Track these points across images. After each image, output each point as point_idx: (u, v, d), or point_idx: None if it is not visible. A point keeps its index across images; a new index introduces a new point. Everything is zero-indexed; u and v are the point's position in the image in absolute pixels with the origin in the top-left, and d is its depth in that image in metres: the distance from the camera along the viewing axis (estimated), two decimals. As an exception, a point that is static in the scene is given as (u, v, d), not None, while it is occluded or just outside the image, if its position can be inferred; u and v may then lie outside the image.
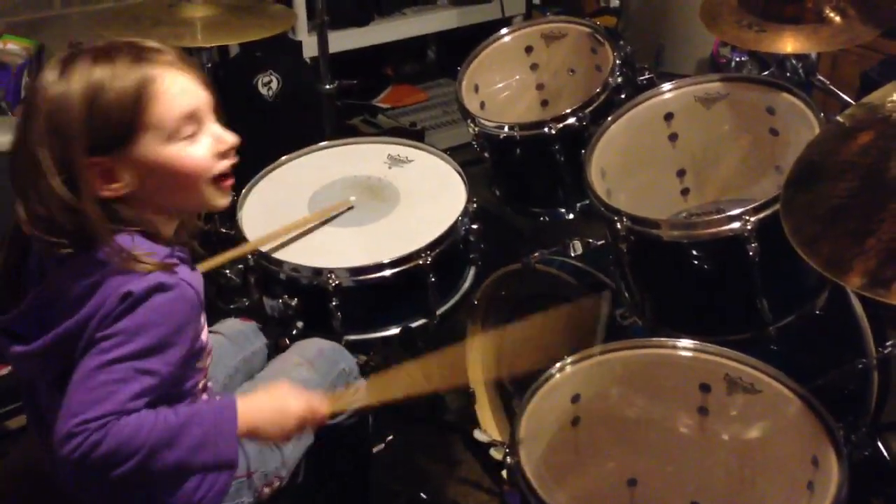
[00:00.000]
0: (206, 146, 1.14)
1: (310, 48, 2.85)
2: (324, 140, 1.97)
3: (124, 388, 1.04)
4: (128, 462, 1.04)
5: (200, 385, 1.23)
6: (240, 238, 1.68)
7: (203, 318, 1.20)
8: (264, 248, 1.63)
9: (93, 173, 1.07)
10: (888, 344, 1.64)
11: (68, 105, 1.05)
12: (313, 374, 1.45)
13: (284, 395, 1.21)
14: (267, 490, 1.32)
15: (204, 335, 1.21)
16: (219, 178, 1.16)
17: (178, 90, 1.11)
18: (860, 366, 1.62)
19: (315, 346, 1.52)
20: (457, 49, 2.17)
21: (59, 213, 1.06)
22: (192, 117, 1.12)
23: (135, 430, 1.04)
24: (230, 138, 1.16)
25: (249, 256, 1.65)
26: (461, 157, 1.89)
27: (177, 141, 1.11)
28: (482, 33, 2.11)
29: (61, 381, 1.08)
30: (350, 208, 1.73)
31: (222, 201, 1.19)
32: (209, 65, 2.36)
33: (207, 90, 1.15)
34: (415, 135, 3.15)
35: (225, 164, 1.16)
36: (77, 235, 1.07)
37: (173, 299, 1.08)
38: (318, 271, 1.57)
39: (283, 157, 1.90)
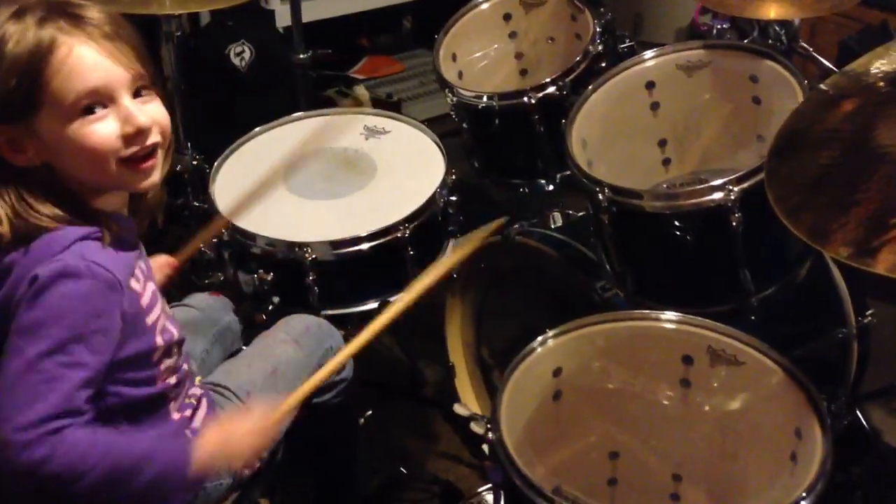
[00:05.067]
0: (112, 127, 1.06)
1: (283, 17, 2.79)
2: (298, 111, 1.93)
3: (55, 385, 1.00)
4: (79, 480, 1.00)
5: (174, 381, 1.20)
6: (213, 212, 1.64)
7: (157, 313, 1.16)
8: (239, 223, 1.59)
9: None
10: (868, 313, 1.65)
11: None
12: (299, 352, 1.43)
13: (228, 429, 1.15)
14: (247, 471, 1.29)
15: (162, 331, 1.16)
16: (134, 160, 1.09)
17: (82, 63, 1.04)
18: (840, 335, 1.63)
19: (302, 322, 1.49)
20: (433, 19, 2.13)
21: None
22: (97, 94, 1.05)
23: (83, 452, 1.00)
24: (140, 120, 1.08)
25: (224, 231, 1.61)
26: (439, 128, 1.86)
27: (76, 119, 1.05)
28: (459, 2, 2.06)
29: None
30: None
31: (143, 183, 1.12)
32: (179, 33, 2.30)
33: (129, 66, 1.07)
34: (392, 106, 3.11)
35: (133, 149, 1.08)
36: None
37: (82, 284, 1.03)
38: (293, 245, 1.54)
39: (257, 129, 1.86)
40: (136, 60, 1.09)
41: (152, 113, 1.11)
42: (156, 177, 1.13)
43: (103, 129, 1.06)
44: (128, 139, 1.08)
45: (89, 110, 1.05)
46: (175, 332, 1.20)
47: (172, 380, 1.20)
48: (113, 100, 1.07)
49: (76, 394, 1.01)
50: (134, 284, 1.12)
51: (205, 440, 1.13)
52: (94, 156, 1.06)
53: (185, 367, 1.25)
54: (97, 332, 1.04)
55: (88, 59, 1.05)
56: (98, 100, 1.06)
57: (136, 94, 1.09)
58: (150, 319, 1.15)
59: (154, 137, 1.10)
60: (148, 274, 1.18)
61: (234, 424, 1.17)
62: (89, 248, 1.06)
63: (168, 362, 1.19)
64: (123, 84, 1.07)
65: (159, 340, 1.16)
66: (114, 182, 1.10)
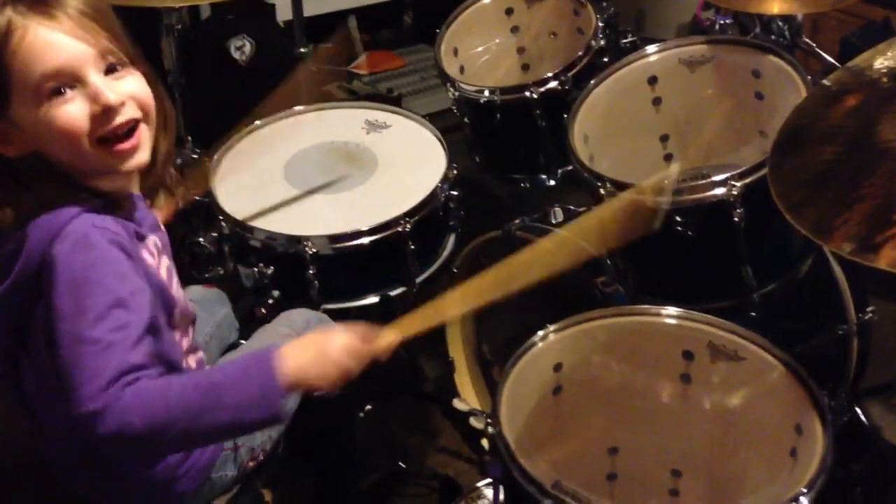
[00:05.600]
0: (80, 108, 1.03)
1: (284, 11, 2.78)
2: (299, 105, 1.92)
3: (111, 350, 0.98)
4: (169, 427, 0.97)
5: (194, 364, 1.20)
6: (213, 206, 1.64)
7: (176, 288, 1.16)
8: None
9: None
10: (868, 310, 1.64)
11: None
12: None
13: (324, 338, 1.09)
14: (251, 463, 1.29)
15: (179, 296, 1.16)
16: (111, 141, 1.06)
17: (41, 44, 1.00)
18: (840, 332, 1.62)
19: (302, 316, 1.48)
20: (434, 14, 2.13)
21: None
22: (61, 75, 1.01)
23: (161, 392, 0.98)
24: (107, 97, 1.03)
25: (224, 224, 1.61)
26: (439, 123, 1.85)
27: (45, 102, 1.02)
28: (459, -3, 2.06)
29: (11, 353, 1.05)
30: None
31: (127, 164, 1.08)
32: (179, 27, 2.29)
33: (96, 42, 1.03)
34: (392, 101, 3.10)
35: (106, 128, 1.05)
36: None
37: (99, 250, 1.01)
38: (294, 239, 1.54)
39: (258, 122, 1.85)
40: (105, 36, 1.04)
41: (126, 89, 1.06)
42: (141, 156, 1.09)
43: (71, 110, 1.03)
44: (97, 118, 1.04)
45: (57, 92, 1.02)
46: (190, 308, 1.20)
47: (193, 363, 1.21)
48: (79, 79, 1.03)
49: (133, 351, 0.99)
50: (146, 256, 1.11)
51: (295, 348, 1.06)
52: (66, 138, 1.03)
53: (201, 353, 1.26)
54: (131, 293, 1.02)
55: (47, 38, 1.01)
56: (64, 81, 1.02)
57: (109, 71, 1.05)
58: (172, 291, 1.15)
59: (128, 114, 1.06)
60: (163, 249, 1.17)
61: (329, 336, 1.09)
62: (97, 217, 1.05)
63: (186, 343, 1.19)
64: (89, 61, 1.03)
65: (181, 315, 1.16)
66: (95, 164, 1.07)
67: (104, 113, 1.04)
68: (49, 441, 1.17)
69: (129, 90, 1.07)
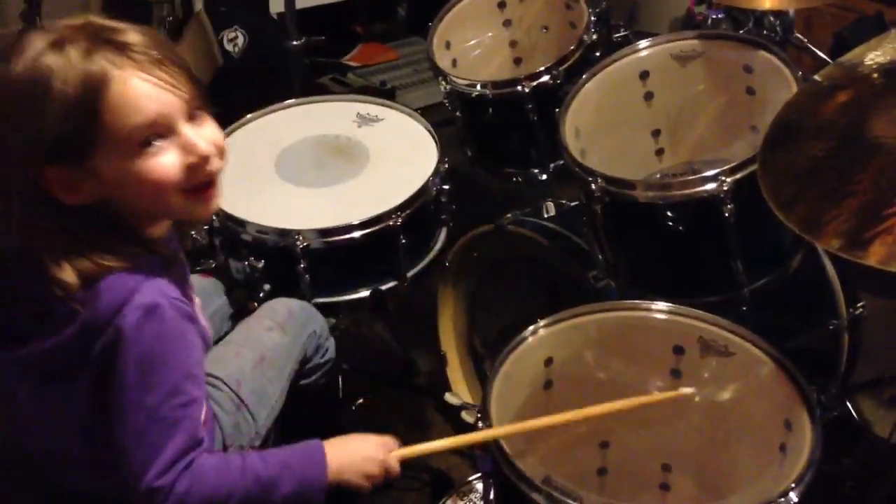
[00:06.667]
0: (173, 159, 1.02)
1: (276, 3, 2.77)
2: (291, 98, 1.92)
3: (179, 427, 1.01)
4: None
5: None
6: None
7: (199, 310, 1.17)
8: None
9: (48, 181, 0.99)
10: (859, 305, 1.65)
11: (12, 98, 0.96)
12: (285, 337, 1.42)
13: (368, 442, 1.18)
14: None
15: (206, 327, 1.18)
16: (198, 190, 1.06)
17: (136, 96, 0.98)
18: (831, 327, 1.63)
19: (285, 307, 1.48)
20: (428, 6, 2.12)
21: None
22: (154, 126, 1.00)
23: (221, 475, 1.03)
24: (202, 148, 1.03)
25: (214, 217, 1.60)
26: (432, 117, 1.85)
27: (136, 154, 1.00)
28: (453, -11, 2.05)
29: (41, 388, 1.06)
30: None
31: (204, 211, 1.09)
32: (170, 19, 2.28)
33: (182, 91, 1.01)
34: (385, 94, 3.09)
35: (199, 179, 1.05)
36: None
37: (170, 322, 1.02)
38: (285, 233, 1.54)
39: (249, 115, 1.85)
40: (187, 83, 1.03)
41: (210, 136, 1.06)
42: (217, 202, 1.09)
43: (165, 162, 1.01)
44: (191, 169, 1.03)
45: (148, 143, 1.00)
46: (209, 334, 1.21)
47: None
48: (171, 129, 1.02)
49: (198, 426, 1.03)
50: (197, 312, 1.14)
51: (335, 448, 1.14)
52: (157, 190, 1.02)
53: None
54: (196, 363, 1.05)
55: (142, 90, 0.98)
56: (156, 131, 1.00)
57: (191, 118, 1.04)
58: (206, 329, 1.17)
59: (215, 163, 1.06)
60: (192, 286, 1.19)
61: (355, 442, 1.18)
62: (162, 284, 1.04)
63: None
64: (179, 111, 1.02)
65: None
66: (176, 213, 1.07)
67: (199, 164, 1.03)
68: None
69: (212, 136, 1.06)
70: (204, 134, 1.05)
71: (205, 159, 1.04)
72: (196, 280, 1.53)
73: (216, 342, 1.46)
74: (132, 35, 1.00)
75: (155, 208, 1.06)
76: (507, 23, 2.04)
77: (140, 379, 1.00)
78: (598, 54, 1.79)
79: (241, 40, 2.64)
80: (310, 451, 1.13)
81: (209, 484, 1.02)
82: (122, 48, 0.99)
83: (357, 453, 1.15)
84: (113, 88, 0.97)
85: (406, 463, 1.78)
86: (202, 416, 1.06)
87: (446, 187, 1.68)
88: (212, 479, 1.02)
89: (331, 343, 1.53)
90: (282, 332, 1.42)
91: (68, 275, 1.00)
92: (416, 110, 1.85)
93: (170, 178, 1.02)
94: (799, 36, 1.80)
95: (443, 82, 1.85)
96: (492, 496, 1.25)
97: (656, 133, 1.74)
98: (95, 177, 1.01)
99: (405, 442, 1.93)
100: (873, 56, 1.29)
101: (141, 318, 0.99)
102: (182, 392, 1.02)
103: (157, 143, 1.01)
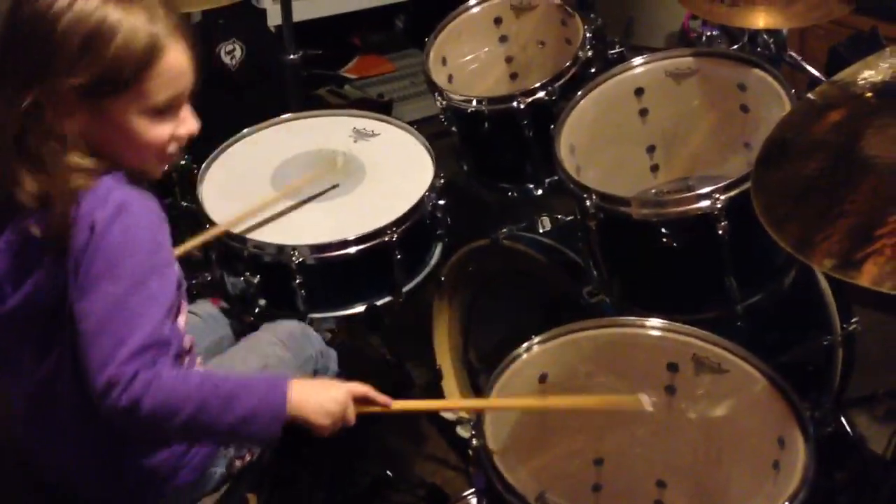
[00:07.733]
0: (170, 129, 1.11)
1: (274, 16, 2.78)
2: (288, 111, 1.92)
3: (145, 318, 1.02)
4: (175, 416, 1.02)
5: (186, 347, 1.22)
6: (200, 214, 1.63)
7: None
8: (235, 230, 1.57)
9: (58, 101, 1.03)
10: (853, 321, 1.65)
11: (70, 29, 1.01)
12: (287, 353, 1.44)
13: (332, 384, 1.20)
14: (238, 463, 1.31)
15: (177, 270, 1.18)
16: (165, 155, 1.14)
17: (178, 70, 1.08)
18: (825, 342, 1.63)
19: (285, 328, 1.50)
20: (425, 18, 2.13)
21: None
22: (177, 99, 1.10)
23: (180, 382, 1.03)
24: (194, 126, 1.14)
25: (218, 238, 1.60)
26: (430, 129, 1.85)
27: (148, 115, 1.08)
28: (451, 1, 2.06)
29: (43, 342, 1.08)
30: (335, 186, 1.67)
31: (160, 172, 1.17)
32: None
33: (195, 71, 1.12)
34: (382, 106, 3.10)
35: (175, 148, 1.14)
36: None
37: (139, 216, 1.06)
38: (280, 248, 1.54)
39: (245, 130, 1.85)
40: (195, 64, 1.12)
41: (192, 117, 1.15)
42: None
43: (163, 130, 1.10)
44: (175, 140, 1.12)
45: (162, 111, 1.09)
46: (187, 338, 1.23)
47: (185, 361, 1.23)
48: (180, 105, 1.11)
49: (163, 324, 1.04)
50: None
51: (303, 384, 1.15)
52: (143, 146, 1.10)
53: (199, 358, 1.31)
54: (164, 264, 1.07)
55: (183, 67, 1.09)
56: (174, 103, 1.10)
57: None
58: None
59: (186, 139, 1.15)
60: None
61: (324, 384, 1.21)
62: (134, 187, 1.09)
63: (188, 340, 1.23)
64: (189, 89, 1.12)
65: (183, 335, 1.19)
66: (140, 165, 1.13)
67: (181, 138, 1.13)
68: (49, 427, 1.18)
69: (193, 118, 1.15)
70: (190, 115, 1.15)
71: (190, 137, 1.14)
72: (207, 306, 1.58)
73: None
74: (176, 13, 1.10)
75: (127, 156, 1.11)
76: (503, 38, 2.05)
77: (105, 270, 1.02)
78: (593, 70, 1.79)
79: (238, 53, 2.64)
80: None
81: (166, 387, 1.01)
82: (176, 23, 1.08)
83: (321, 392, 1.16)
84: (164, 57, 1.06)
85: (400, 478, 1.79)
86: (171, 321, 1.06)
87: (442, 202, 1.68)
88: (170, 383, 1.02)
89: (332, 356, 1.54)
90: (284, 348, 1.45)
91: (58, 185, 1.05)
92: (413, 122, 1.86)
93: (159, 143, 1.11)
94: (793, 54, 1.80)
95: (439, 98, 1.86)
96: (486, 513, 1.25)
97: (651, 149, 1.75)
98: (99, 114, 1.07)
99: (398, 457, 1.94)
100: (867, 75, 1.29)
101: (113, 212, 1.04)
102: (147, 285, 1.03)
103: (168, 112, 1.10)
